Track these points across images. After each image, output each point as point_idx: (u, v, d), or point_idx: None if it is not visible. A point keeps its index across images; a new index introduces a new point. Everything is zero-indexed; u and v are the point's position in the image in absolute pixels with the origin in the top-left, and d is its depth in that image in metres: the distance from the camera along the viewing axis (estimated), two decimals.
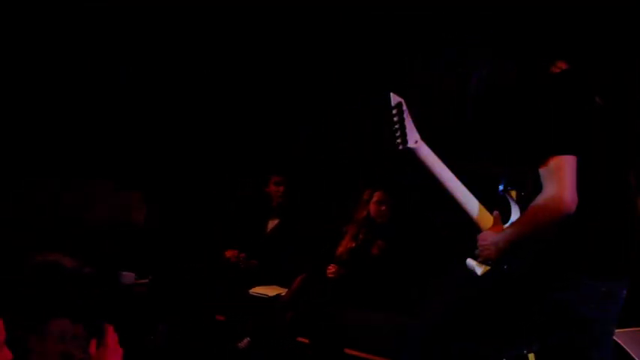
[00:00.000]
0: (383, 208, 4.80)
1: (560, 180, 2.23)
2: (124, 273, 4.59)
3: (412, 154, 2.52)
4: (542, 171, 2.27)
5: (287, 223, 5.23)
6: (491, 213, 2.56)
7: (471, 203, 2.55)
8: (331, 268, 4.75)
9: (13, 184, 5.54)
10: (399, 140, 2.52)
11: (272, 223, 5.27)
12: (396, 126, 2.52)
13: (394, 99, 2.53)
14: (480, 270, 2.54)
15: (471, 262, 2.58)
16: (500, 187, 2.53)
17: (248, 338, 4.59)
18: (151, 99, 5.89)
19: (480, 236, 2.49)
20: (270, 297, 4.83)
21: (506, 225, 2.49)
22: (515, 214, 2.53)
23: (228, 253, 5.10)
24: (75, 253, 4.52)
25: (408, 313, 4.48)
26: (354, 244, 4.84)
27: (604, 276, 2.34)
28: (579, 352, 2.38)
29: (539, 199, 2.26)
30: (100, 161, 5.72)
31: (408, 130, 2.51)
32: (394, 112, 2.53)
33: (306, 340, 4.50)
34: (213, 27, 5.68)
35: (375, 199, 4.83)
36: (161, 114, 5.92)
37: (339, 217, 5.05)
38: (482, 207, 2.55)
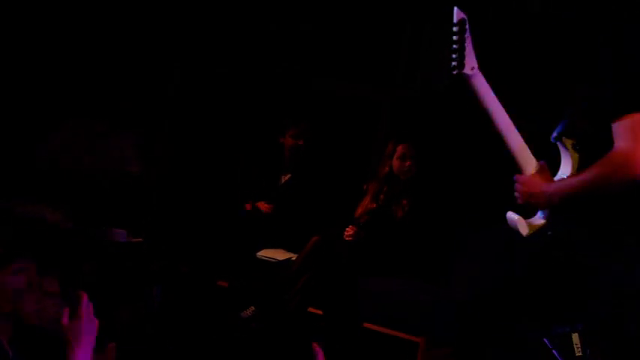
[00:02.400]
0: (407, 163, 4.59)
1: (636, 138, 2.15)
2: (115, 230, 4.36)
3: (465, 80, 2.38)
4: (615, 126, 2.18)
5: (300, 179, 5.01)
6: (537, 160, 2.48)
7: (517, 142, 2.42)
8: (349, 231, 4.56)
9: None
10: (454, 63, 2.36)
11: (284, 178, 5.07)
12: (455, 46, 2.35)
13: (457, 14, 2.35)
14: (525, 230, 2.41)
15: (512, 217, 2.44)
16: (555, 134, 2.42)
17: (253, 307, 4.35)
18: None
19: (523, 179, 2.41)
20: (280, 261, 4.67)
21: (559, 176, 2.40)
22: (566, 165, 2.43)
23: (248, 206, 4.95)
24: (58, 204, 4.27)
25: (435, 282, 4.45)
26: (375, 205, 4.66)
27: None
28: (629, 330, 2.31)
29: (609, 155, 2.18)
30: (93, 100, 5.51)
31: (466, 53, 2.36)
32: (455, 29, 2.34)
33: (319, 312, 4.36)
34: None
35: (398, 152, 4.61)
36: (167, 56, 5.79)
37: (359, 173, 4.92)
38: (527, 149, 2.44)
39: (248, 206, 4.89)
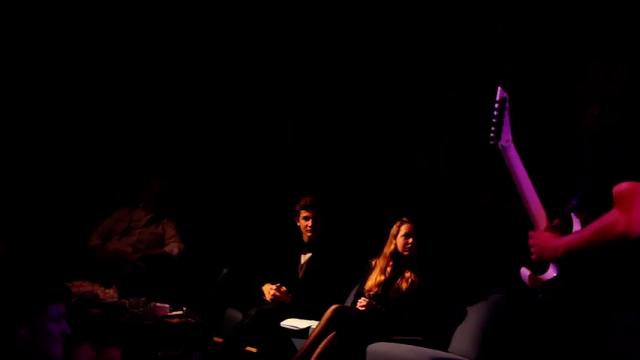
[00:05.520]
0: (410, 240, 4.85)
1: (630, 203, 2.31)
2: (158, 304, 4.62)
3: (501, 151, 2.63)
4: (614, 193, 2.35)
5: (319, 257, 5.28)
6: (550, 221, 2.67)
7: (536, 205, 2.64)
8: (362, 302, 4.78)
9: (52, 212, 5.68)
10: (492, 134, 2.61)
11: (304, 257, 5.34)
12: (495, 120, 2.61)
13: (500, 93, 2.61)
14: (531, 283, 2.65)
15: (525, 271, 2.69)
16: (570, 206, 2.61)
17: None
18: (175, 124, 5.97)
19: (535, 234, 2.60)
20: (302, 329, 4.85)
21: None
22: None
23: (267, 288, 5.14)
24: (109, 284, 4.70)
25: (442, 345, 4.59)
26: (383, 278, 4.89)
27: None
28: None
29: (605, 216, 2.36)
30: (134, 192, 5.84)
31: (504, 127, 2.60)
32: (497, 105, 2.61)
33: None
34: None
35: (402, 232, 4.88)
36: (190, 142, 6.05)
37: (371, 250, 5.07)
38: (544, 211, 2.66)
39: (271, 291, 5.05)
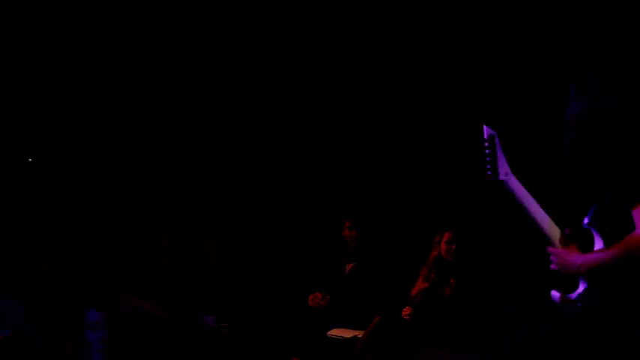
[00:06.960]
0: (453, 247, 4.93)
1: None
2: (205, 316, 4.67)
3: (502, 185, 2.62)
4: (635, 212, 2.39)
5: (363, 266, 5.33)
6: (562, 231, 2.70)
7: (546, 222, 2.66)
8: (406, 310, 4.86)
9: (99, 226, 5.72)
10: (489, 172, 2.61)
11: (349, 267, 5.38)
12: (488, 158, 2.61)
13: (487, 131, 2.62)
14: (563, 303, 2.69)
15: (555, 294, 2.73)
16: (587, 220, 2.62)
17: None
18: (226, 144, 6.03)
19: (557, 252, 2.63)
20: (347, 339, 4.90)
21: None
22: (598, 246, 2.63)
23: (312, 297, 5.20)
24: (159, 297, 4.75)
25: (485, 352, 4.54)
26: (427, 285, 4.95)
27: None
28: None
29: (632, 235, 2.39)
30: (180, 205, 5.85)
31: (499, 163, 2.61)
32: (486, 144, 2.62)
33: None
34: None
35: (445, 239, 4.96)
36: (233, 158, 6.09)
37: (414, 259, 5.14)
38: (556, 227, 2.68)
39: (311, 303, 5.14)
